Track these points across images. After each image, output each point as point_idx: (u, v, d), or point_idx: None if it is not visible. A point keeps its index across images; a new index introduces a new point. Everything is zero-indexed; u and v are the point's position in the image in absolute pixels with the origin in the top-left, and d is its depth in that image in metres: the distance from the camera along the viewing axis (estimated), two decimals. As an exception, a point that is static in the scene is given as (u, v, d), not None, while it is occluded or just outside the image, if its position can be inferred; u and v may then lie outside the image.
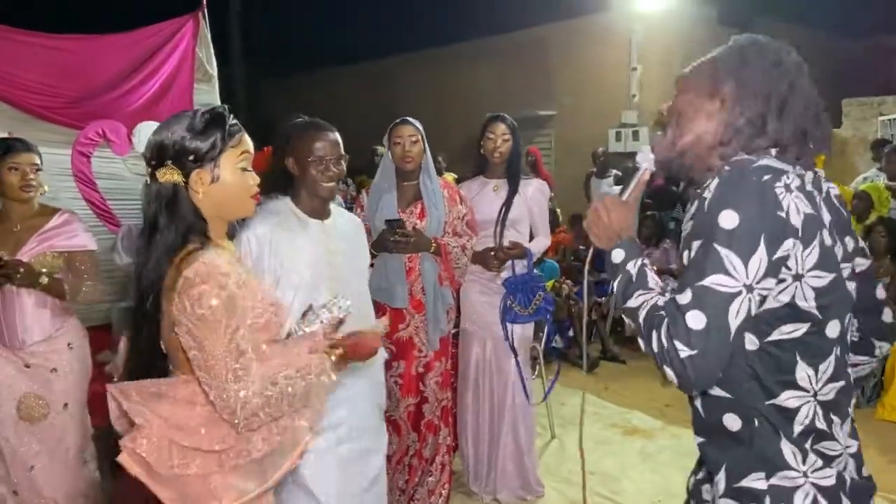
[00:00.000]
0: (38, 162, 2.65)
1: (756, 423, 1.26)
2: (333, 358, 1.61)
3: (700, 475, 1.46)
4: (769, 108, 1.31)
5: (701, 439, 1.36)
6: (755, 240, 1.17)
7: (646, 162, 1.46)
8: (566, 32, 10.00)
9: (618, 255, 1.36)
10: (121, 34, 4.78)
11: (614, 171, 7.84)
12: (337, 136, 2.25)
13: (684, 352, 1.16)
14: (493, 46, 10.89)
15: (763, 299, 1.21)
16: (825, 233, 1.24)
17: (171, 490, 1.46)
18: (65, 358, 2.70)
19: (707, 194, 1.24)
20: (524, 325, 3.30)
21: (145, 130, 5.08)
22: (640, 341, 1.26)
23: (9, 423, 2.59)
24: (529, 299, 3.23)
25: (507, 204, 3.26)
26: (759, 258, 1.17)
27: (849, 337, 1.33)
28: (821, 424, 1.25)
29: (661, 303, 1.25)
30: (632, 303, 1.30)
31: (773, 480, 1.24)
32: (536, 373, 4.49)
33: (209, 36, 5.24)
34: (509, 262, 3.26)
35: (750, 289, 1.18)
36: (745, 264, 1.17)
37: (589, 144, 8.87)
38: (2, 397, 2.58)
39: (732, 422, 1.28)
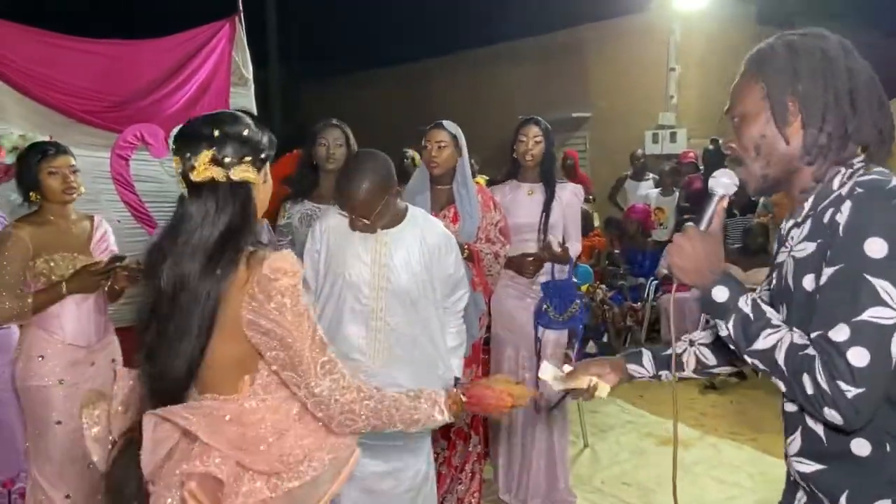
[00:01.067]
0: (74, 163, 2.68)
1: (888, 447, 1.20)
2: (447, 400, 1.54)
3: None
4: (842, 110, 1.24)
5: (817, 466, 1.27)
6: None
7: (721, 188, 1.36)
8: (603, 33, 9.89)
9: (720, 294, 1.25)
10: (159, 39, 4.86)
11: (651, 175, 7.71)
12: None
13: (851, 392, 1.10)
14: (528, 48, 10.82)
15: None
16: None
17: None
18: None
19: (840, 217, 1.17)
20: (558, 331, 3.24)
21: (182, 134, 5.13)
22: (779, 383, 1.19)
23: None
24: (566, 306, 3.18)
25: (547, 209, 3.22)
26: None
27: None
28: None
29: (798, 340, 1.17)
30: (760, 344, 1.20)
31: None
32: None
33: (245, 40, 5.29)
34: (547, 266, 3.21)
35: None
36: None
37: (624, 147, 8.75)
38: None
39: (861, 447, 1.21)
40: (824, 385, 1.11)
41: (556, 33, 10.42)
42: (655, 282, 6.23)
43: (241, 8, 5.24)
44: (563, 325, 3.22)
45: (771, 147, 1.30)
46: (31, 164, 2.61)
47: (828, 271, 1.16)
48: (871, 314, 1.11)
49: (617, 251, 6.79)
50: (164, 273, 1.39)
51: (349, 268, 2.20)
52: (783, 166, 1.30)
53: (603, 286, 6.01)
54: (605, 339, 5.80)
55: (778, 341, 1.19)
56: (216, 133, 1.40)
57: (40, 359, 2.57)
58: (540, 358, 3.20)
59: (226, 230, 1.40)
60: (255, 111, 5.46)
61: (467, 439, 3.04)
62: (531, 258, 3.14)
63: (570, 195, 3.30)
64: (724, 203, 1.37)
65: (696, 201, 6.77)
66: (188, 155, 1.40)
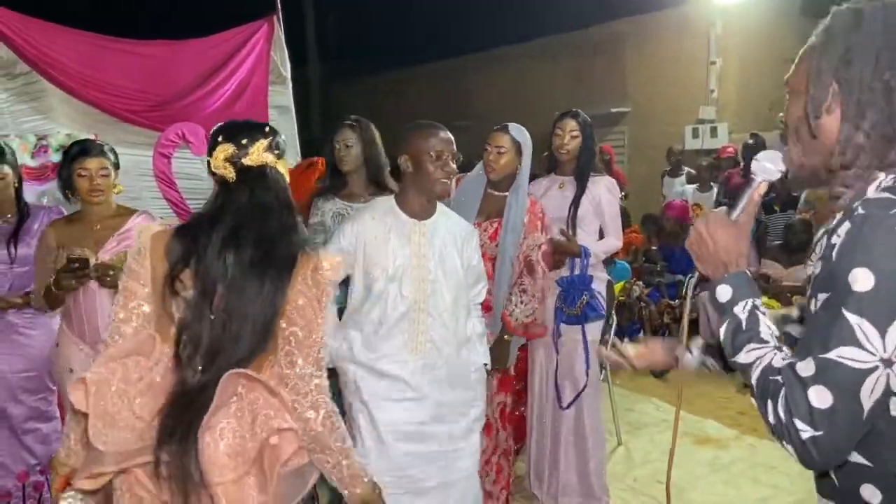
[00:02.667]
0: (108, 166, 2.71)
1: None
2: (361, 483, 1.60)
3: None
4: (890, 105, 1.05)
5: None
6: (895, 306, 0.97)
7: (763, 173, 1.23)
8: (640, 28, 9.78)
9: (723, 293, 1.16)
10: (199, 39, 4.97)
11: (687, 170, 7.60)
12: (450, 134, 2.31)
13: (806, 432, 1.00)
14: (564, 44, 10.75)
15: None
16: None
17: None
18: None
19: (836, 239, 1.02)
20: (589, 327, 3.21)
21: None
22: (752, 400, 1.10)
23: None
24: (575, 299, 3.15)
25: (576, 202, 3.20)
26: None
27: None
28: None
29: (776, 363, 1.07)
30: (741, 358, 1.12)
31: None
32: (602, 377, 4.40)
33: (283, 39, 5.37)
34: (569, 262, 3.18)
35: (888, 363, 0.98)
36: (883, 335, 0.97)
37: (663, 142, 8.63)
38: None
39: (871, 494, 1.09)
40: (783, 418, 1.02)
41: (592, 28, 10.33)
42: (693, 279, 6.12)
43: (279, 7, 5.33)
44: (575, 319, 3.18)
45: (808, 134, 1.14)
46: (67, 162, 2.69)
47: (820, 297, 1.05)
48: (841, 354, 0.99)
49: (654, 248, 6.71)
50: (215, 253, 1.49)
51: (390, 262, 2.23)
52: (821, 159, 1.13)
53: (640, 283, 5.95)
54: (641, 335, 5.74)
55: (757, 359, 1.10)
56: (267, 128, 1.61)
57: (56, 347, 2.75)
58: (557, 352, 3.20)
59: (286, 211, 1.58)
60: (293, 110, 5.58)
61: (492, 433, 3.04)
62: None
63: (602, 189, 3.25)
64: (762, 190, 1.24)
65: (734, 197, 6.64)
66: (244, 141, 1.56)
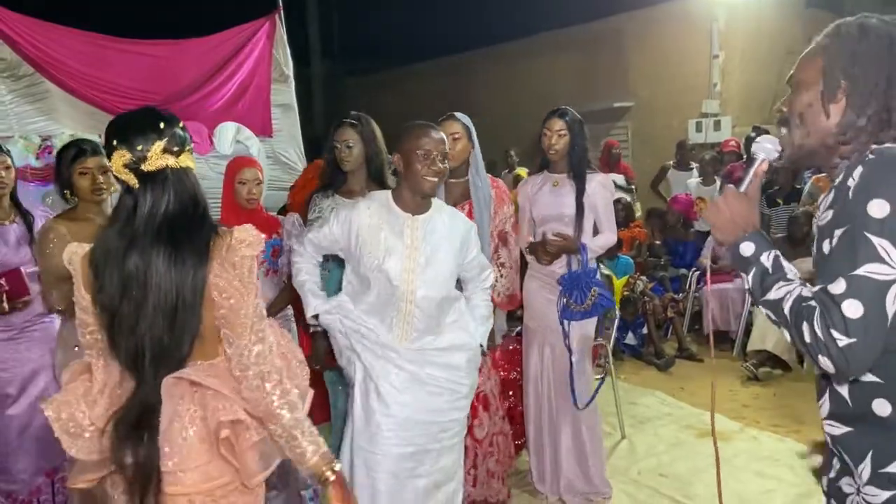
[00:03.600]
0: (108, 164, 2.72)
1: None
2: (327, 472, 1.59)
3: (832, 473, 1.42)
4: (890, 97, 1.29)
5: (844, 429, 1.34)
6: None
7: (763, 152, 1.46)
8: (643, 21, 9.74)
9: (747, 249, 1.35)
10: (201, 38, 4.99)
11: (695, 164, 7.58)
12: (442, 134, 2.40)
13: (842, 341, 1.16)
14: (567, 38, 10.72)
15: None
16: None
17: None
18: None
19: (850, 182, 1.23)
20: (582, 322, 3.22)
21: (225, 131, 5.30)
22: (785, 332, 1.27)
23: None
24: (585, 294, 3.16)
25: (579, 203, 3.21)
26: None
27: None
28: None
29: (806, 293, 1.25)
30: (772, 295, 1.29)
31: None
32: (605, 372, 4.41)
33: (285, 37, 5.39)
34: (565, 259, 3.19)
35: None
36: None
37: (666, 136, 8.60)
38: None
39: (882, 407, 1.26)
40: (819, 333, 1.18)
41: (594, 23, 10.29)
42: (697, 272, 6.15)
43: (280, 5, 5.34)
44: (586, 314, 3.20)
45: (814, 118, 1.36)
46: (66, 162, 2.69)
47: (837, 233, 1.22)
48: (868, 269, 1.17)
49: (658, 242, 6.71)
50: (133, 260, 1.50)
51: (381, 252, 2.30)
52: (820, 139, 1.36)
53: (644, 277, 5.95)
54: (644, 330, 5.74)
55: (787, 293, 1.27)
56: (162, 124, 1.54)
57: (76, 349, 2.68)
58: (571, 352, 3.21)
59: (192, 207, 1.55)
60: (296, 107, 5.60)
61: (488, 408, 3.05)
62: (540, 243, 3.15)
63: (597, 185, 3.26)
64: (765, 167, 1.46)
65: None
66: (140, 147, 1.51)
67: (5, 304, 2.78)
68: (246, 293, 1.53)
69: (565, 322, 3.18)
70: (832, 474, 1.41)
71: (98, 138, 3.52)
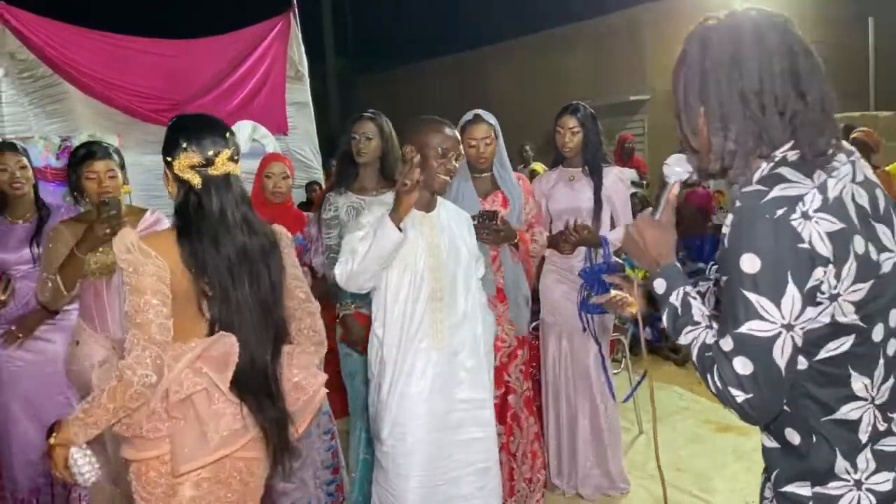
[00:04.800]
0: (115, 167, 2.71)
1: (814, 439, 1.23)
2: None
3: (762, 478, 1.43)
4: (751, 112, 1.20)
5: (773, 444, 1.33)
6: (782, 280, 1.13)
7: (673, 175, 1.39)
8: (659, 14, 9.67)
9: (659, 286, 1.34)
10: (217, 37, 5.04)
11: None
12: (456, 132, 2.32)
13: (739, 396, 1.17)
14: (584, 31, 10.68)
15: (806, 328, 1.17)
16: (857, 240, 1.16)
17: None
18: None
19: (725, 229, 1.19)
20: (603, 316, 3.22)
21: (242, 130, 5.35)
22: (698, 375, 1.26)
23: None
24: (607, 289, 3.15)
25: (597, 198, 3.20)
26: (791, 296, 1.13)
27: None
28: (882, 426, 1.21)
29: (708, 340, 1.25)
30: (683, 339, 1.29)
31: (818, 489, 1.23)
32: (623, 367, 4.40)
33: (300, 35, 5.42)
34: (583, 252, 3.19)
35: (789, 327, 1.15)
36: (778, 306, 1.13)
37: (684, 130, 8.52)
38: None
39: (792, 436, 1.26)
40: (720, 387, 1.19)
41: (611, 15, 10.25)
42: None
43: (295, 4, 5.37)
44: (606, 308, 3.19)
45: (698, 143, 1.29)
46: (75, 165, 2.68)
47: (723, 279, 1.21)
48: (750, 327, 1.15)
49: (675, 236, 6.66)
50: (226, 250, 1.67)
51: (411, 254, 2.25)
52: (707, 165, 1.29)
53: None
54: (662, 323, 5.70)
55: (693, 339, 1.27)
56: (228, 134, 1.73)
57: (76, 344, 2.71)
58: (600, 345, 3.21)
59: (250, 207, 1.76)
60: (311, 105, 5.63)
61: (521, 423, 3.07)
62: (562, 234, 3.13)
63: (613, 179, 3.26)
64: (676, 190, 1.41)
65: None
66: (210, 153, 1.67)
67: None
68: (301, 274, 1.89)
69: (583, 314, 3.17)
70: (762, 478, 1.41)
71: (116, 139, 3.57)
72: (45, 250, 2.67)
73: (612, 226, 3.29)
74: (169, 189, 1.74)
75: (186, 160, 1.66)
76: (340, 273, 2.15)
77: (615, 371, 3.74)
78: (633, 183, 6.45)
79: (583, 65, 10.53)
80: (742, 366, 1.16)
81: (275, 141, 5.05)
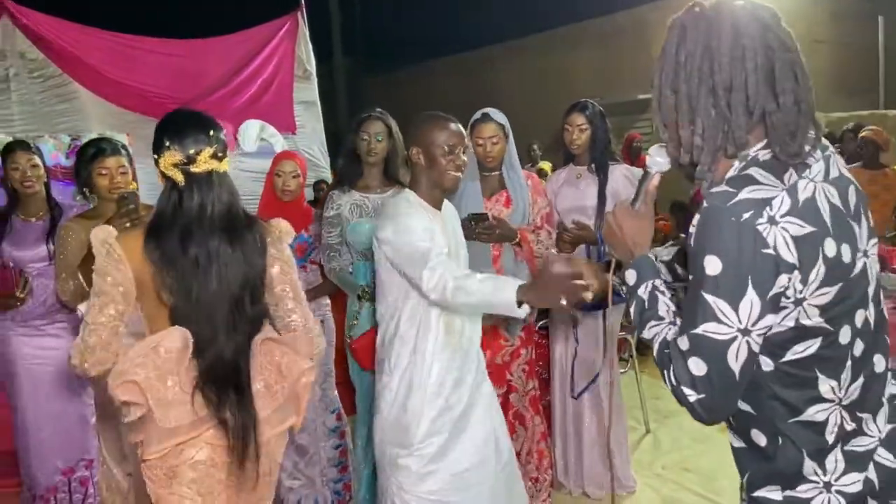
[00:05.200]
0: (126, 164, 2.75)
1: (780, 441, 1.22)
2: None
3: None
4: (719, 109, 1.18)
5: (741, 444, 1.31)
6: (742, 284, 1.11)
7: (655, 166, 1.37)
8: (666, 13, 9.45)
9: (630, 277, 1.33)
10: (224, 37, 5.06)
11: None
12: (461, 126, 2.29)
13: (692, 396, 1.17)
14: (590, 31, 10.67)
15: (765, 334, 1.16)
16: (828, 243, 1.13)
17: None
18: None
19: (692, 229, 1.18)
20: (594, 314, 3.21)
21: (250, 129, 5.37)
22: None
23: None
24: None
25: (602, 195, 3.20)
26: (750, 301, 1.11)
27: (873, 322, 1.23)
28: (849, 426, 1.20)
29: (669, 337, 1.24)
30: (646, 333, 1.29)
31: (788, 492, 1.22)
32: (630, 366, 4.40)
33: (308, 34, 5.43)
34: (584, 250, 3.18)
35: (746, 332, 1.13)
36: (736, 310, 1.12)
37: (692, 128, 8.49)
38: None
39: (758, 437, 1.24)
40: (675, 384, 1.19)
41: (618, 14, 10.23)
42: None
43: (303, 3, 5.38)
44: (597, 305, 3.16)
45: (672, 136, 1.27)
46: (85, 161, 2.70)
47: (690, 278, 1.20)
48: (706, 329, 1.14)
49: (682, 235, 6.65)
50: (193, 249, 1.70)
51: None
52: (681, 157, 1.26)
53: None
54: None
55: (655, 335, 1.27)
56: (211, 132, 1.75)
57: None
58: (577, 341, 3.21)
59: (234, 204, 1.78)
60: (319, 104, 5.65)
61: (525, 422, 3.07)
62: (559, 232, 3.11)
63: (619, 176, 3.24)
64: (656, 181, 1.39)
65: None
66: (192, 151, 1.71)
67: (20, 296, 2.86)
68: (294, 272, 1.87)
69: (578, 313, 3.17)
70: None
71: (125, 138, 3.59)
72: (58, 248, 2.69)
73: None
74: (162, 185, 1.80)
75: (170, 158, 1.71)
76: (437, 287, 1.95)
77: (622, 370, 3.73)
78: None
79: (590, 63, 10.51)
80: (696, 366, 1.16)
81: (283, 140, 5.07)
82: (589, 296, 1.67)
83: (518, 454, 3.05)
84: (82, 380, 2.94)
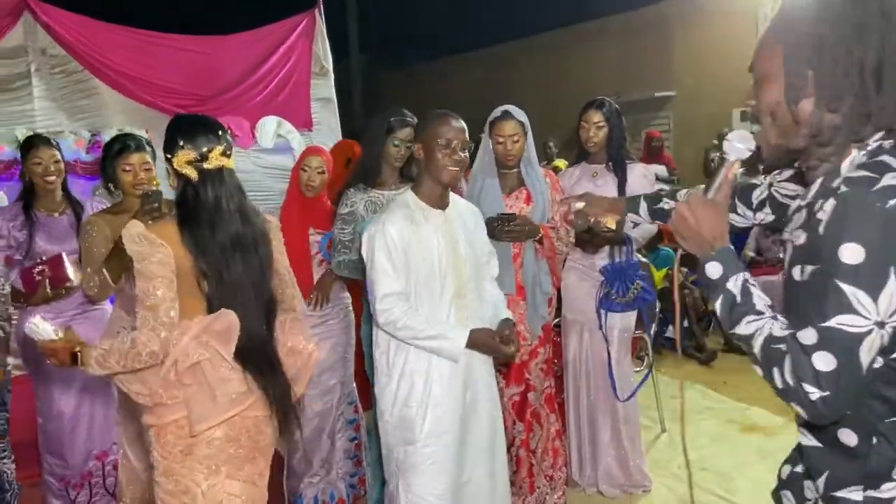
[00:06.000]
0: (149, 160, 2.78)
1: (875, 440, 1.17)
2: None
3: (800, 468, 1.36)
4: (865, 89, 1.12)
5: (814, 443, 1.27)
6: (884, 274, 1.05)
7: (734, 153, 1.31)
8: (687, 9, 9.57)
9: (713, 270, 1.24)
10: (243, 33, 5.08)
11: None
12: (463, 123, 2.30)
13: (814, 394, 1.09)
14: (610, 27, 10.61)
15: None
16: None
17: None
18: None
19: (821, 215, 1.10)
20: (622, 314, 3.20)
21: (267, 125, 5.37)
22: (757, 369, 1.18)
23: None
24: (627, 287, 3.13)
25: (622, 192, 3.18)
26: (891, 292, 1.06)
27: None
28: None
29: (776, 332, 1.16)
30: (741, 329, 1.20)
31: (870, 493, 1.17)
32: (645, 364, 4.37)
33: (325, 31, 5.44)
34: (607, 249, 3.17)
35: (881, 325, 1.08)
36: (875, 300, 1.06)
37: (710, 126, 8.44)
38: None
39: (848, 437, 1.19)
40: (791, 383, 1.12)
41: (638, 11, 10.16)
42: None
43: (320, 0, 5.39)
44: (628, 306, 3.17)
45: (786, 117, 1.20)
46: (110, 157, 2.74)
47: (808, 268, 1.13)
48: (840, 321, 1.08)
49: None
50: (221, 237, 1.86)
51: (434, 256, 2.23)
52: (795, 140, 1.21)
53: (684, 269, 5.86)
54: (686, 323, 5.66)
55: (756, 330, 1.18)
56: (220, 132, 1.92)
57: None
58: (609, 342, 3.19)
59: (244, 197, 1.93)
60: (335, 101, 5.66)
61: (541, 420, 3.06)
62: (586, 233, 3.10)
63: (637, 176, 3.23)
64: (735, 168, 1.32)
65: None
66: (205, 149, 1.86)
67: (49, 290, 2.86)
68: (288, 262, 2.06)
69: (602, 312, 3.16)
70: (800, 468, 1.35)
71: (145, 134, 3.61)
72: (83, 243, 2.72)
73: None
74: (170, 183, 1.94)
75: (184, 156, 1.85)
76: (387, 322, 2.18)
77: (637, 369, 3.71)
78: (662, 179, 6.41)
79: (608, 60, 10.45)
80: (823, 361, 1.08)
81: (300, 136, 5.08)
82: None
83: (533, 452, 3.05)
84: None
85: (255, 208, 1.98)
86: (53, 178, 3.00)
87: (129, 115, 4.50)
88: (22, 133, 3.88)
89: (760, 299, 1.21)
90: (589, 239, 3.12)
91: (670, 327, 5.60)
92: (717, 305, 1.23)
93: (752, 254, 6.09)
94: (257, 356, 1.89)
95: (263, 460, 1.98)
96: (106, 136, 4.37)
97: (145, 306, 1.78)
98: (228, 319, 1.84)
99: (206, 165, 1.86)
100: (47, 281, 2.86)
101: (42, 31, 4.30)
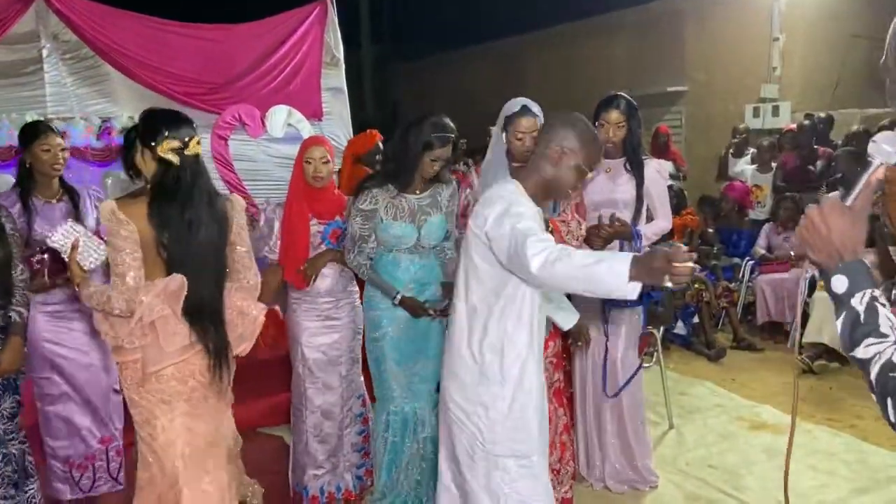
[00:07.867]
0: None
1: None
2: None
3: None
4: None
5: None
6: None
7: (880, 155, 1.18)
8: (701, 3, 9.46)
9: (839, 284, 1.13)
10: (255, 23, 5.06)
11: (752, 150, 7.36)
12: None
13: None
14: (622, 21, 10.52)
15: None
16: None
17: None
18: None
19: None
20: (630, 310, 3.18)
21: (277, 114, 5.35)
22: (873, 396, 1.10)
23: None
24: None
25: (639, 191, 3.16)
26: None
27: None
28: None
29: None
30: (860, 353, 1.10)
31: None
32: (654, 360, 4.35)
33: (336, 21, 5.42)
34: (616, 245, 3.14)
35: None
36: None
37: (722, 122, 8.37)
38: None
39: None
40: None
41: (651, 4, 10.06)
42: (752, 262, 6.00)
43: (332, -11, 5.36)
44: (634, 304, 3.12)
45: None
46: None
47: None
48: None
49: (711, 230, 6.56)
50: (188, 215, 2.12)
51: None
52: None
53: (697, 266, 5.82)
54: (695, 319, 5.63)
55: (876, 354, 1.09)
56: (195, 124, 2.22)
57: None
58: (608, 338, 3.17)
59: (210, 181, 2.24)
60: (346, 91, 5.63)
61: (549, 415, 3.04)
62: (594, 227, 3.07)
63: (652, 172, 3.20)
64: (880, 174, 1.19)
65: (792, 181, 6.42)
66: (186, 138, 2.14)
67: (47, 280, 2.86)
68: (248, 238, 2.35)
69: (607, 309, 3.14)
70: None
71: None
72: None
73: (648, 219, 3.25)
74: (144, 168, 2.17)
75: (168, 144, 2.11)
76: (540, 254, 1.80)
77: (646, 365, 3.69)
78: (669, 175, 6.36)
79: (620, 54, 10.37)
80: None
81: (310, 126, 5.07)
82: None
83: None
84: (108, 353, 2.99)
85: (217, 191, 2.28)
86: (60, 165, 3.00)
87: (139, 101, 4.49)
88: (32, 118, 3.87)
89: (888, 320, 1.10)
90: (598, 233, 3.08)
91: (679, 323, 5.57)
92: (839, 323, 1.13)
93: (762, 251, 6.05)
94: (204, 316, 2.19)
95: (215, 399, 2.28)
96: (116, 123, 4.38)
97: (115, 273, 2.10)
98: (178, 282, 2.13)
99: (186, 152, 2.13)
100: (46, 271, 2.85)
101: (54, 17, 4.29)
